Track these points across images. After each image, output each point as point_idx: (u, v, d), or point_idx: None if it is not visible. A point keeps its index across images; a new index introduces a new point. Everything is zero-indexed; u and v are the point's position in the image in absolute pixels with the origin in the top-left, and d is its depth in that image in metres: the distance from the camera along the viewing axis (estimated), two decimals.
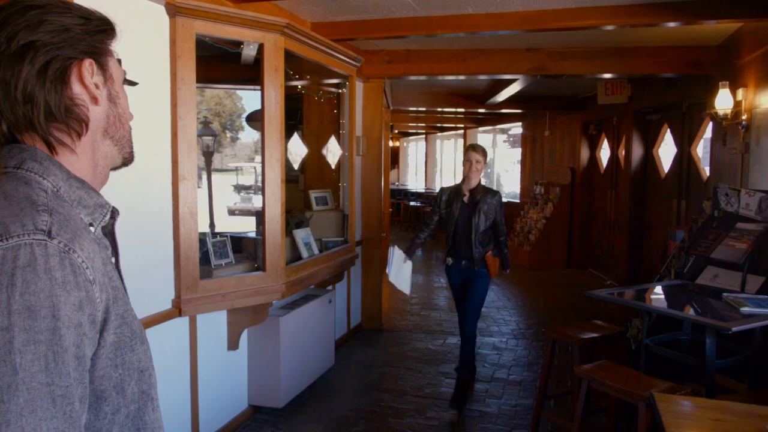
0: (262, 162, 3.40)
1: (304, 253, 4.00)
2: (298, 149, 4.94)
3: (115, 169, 1.04)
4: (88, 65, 0.92)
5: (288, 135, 5.79)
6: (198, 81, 3.09)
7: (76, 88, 0.91)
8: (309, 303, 4.20)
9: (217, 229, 4.92)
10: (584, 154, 9.33)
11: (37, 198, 0.84)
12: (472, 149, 4.22)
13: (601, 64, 5.54)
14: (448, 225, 4.26)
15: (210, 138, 7.24)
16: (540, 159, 10.64)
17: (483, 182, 4.32)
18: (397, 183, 18.70)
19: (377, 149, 5.78)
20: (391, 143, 18.48)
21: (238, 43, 3.33)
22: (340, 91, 4.82)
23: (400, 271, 4.24)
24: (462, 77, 6.15)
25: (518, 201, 11.34)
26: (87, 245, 0.84)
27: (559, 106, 9.32)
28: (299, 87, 4.12)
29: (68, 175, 0.91)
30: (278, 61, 3.37)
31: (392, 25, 4.38)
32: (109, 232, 1.01)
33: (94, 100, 0.93)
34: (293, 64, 4.13)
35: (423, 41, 5.23)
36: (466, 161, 4.20)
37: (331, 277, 4.63)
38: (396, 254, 4.23)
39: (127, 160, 1.04)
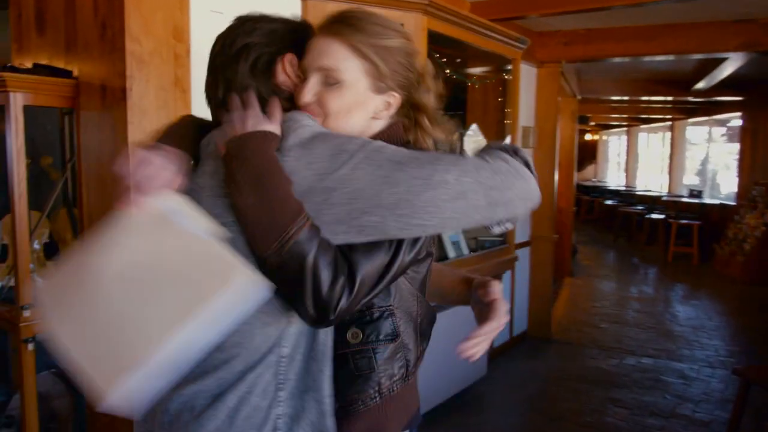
0: None
1: (451, 253, 3.68)
2: (476, 140, 4.62)
3: None
4: (290, 58, 1.11)
5: (458, 125, 5.50)
6: None
7: (281, 77, 1.10)
8: (456, 307, 3.87)
9: None
10: None
11: None
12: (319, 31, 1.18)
13: None
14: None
15: None
16: (763, 155, 9.03)
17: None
18: (594, 179, 17.42)
19: (551, 141, 5.24)
20: (589, 136, 17.29)
21: None
22: (506, 77, 4.40)
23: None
24: (659, 58, 5.33)
25: (734, 204, 9.78)
26: None
27: None
28: (452, 74, 3.79)
29: None
30: (420, 44, 3.08)
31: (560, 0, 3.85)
32: None
33: (295, 87, 1.10)
34: (451, 48, 3.82)
35: (605, 17, 4.57)
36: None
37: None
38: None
39: None
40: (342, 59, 1.06)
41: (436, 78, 1.18)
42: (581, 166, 17.05)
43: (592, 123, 15.12)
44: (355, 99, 1.08)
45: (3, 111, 2.23)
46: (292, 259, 0.91)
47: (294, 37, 1.12)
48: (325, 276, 0.92)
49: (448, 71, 3.58)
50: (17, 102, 2.19)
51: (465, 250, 3.79)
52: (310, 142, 0.97)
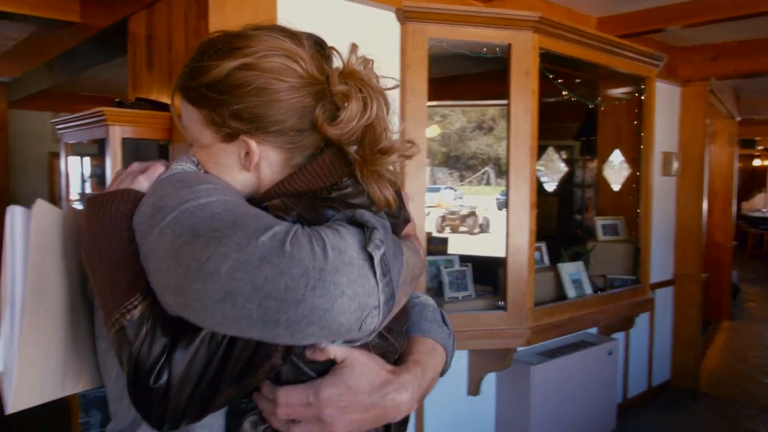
0: (507, 182, 2.90)
1: (570, 293, 3.33)
2: (619, 169, 4.24)
3: None
4: None
5: (591, 152, 5.13)
6: (462, 98, 2.78)
7: None
8: (578, 352, 3.49)
9: (495, 254, 4.51)
10: None
11: None
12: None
13: None
14: None
15: None
16: None
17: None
18: (764, 210, 15.56)
19: (697, 168, 4.66)
20: (757, 162, 15.49)
21: (483, 48, 2.91)
22: (642, 98, 3.97)
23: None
24: None
25: None
26: None
27: None
28: (571, 95, 3.46)
29: None
30: (529, 63, 2.84)
31: (705, 7, 3.40)
32: None
33: None
34: (571, 68, 3.53)
35: (763, 26, 3.99)
36: None
37: (618, 323, 3.81)
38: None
39: None
40: (183, 113, 0.89)
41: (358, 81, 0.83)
42: (748, 194, 15.34)
43: (760, 147, 13.55)
44: (207, 155, 0.87)
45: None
46: (119, 347, 0.76)
47: None
48: (145, 373, 0.74)
49: (565, 93, 3.28)
50: (116, 135, 2.28)
51: (588, 289, 3.41)
52: (150, 191, 0.82)
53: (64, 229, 0.90)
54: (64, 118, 2.69)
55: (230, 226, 0.72)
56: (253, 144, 0.83)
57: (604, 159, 4.31)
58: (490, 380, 3.28)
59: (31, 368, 0.85)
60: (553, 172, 5.67)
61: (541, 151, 6.66)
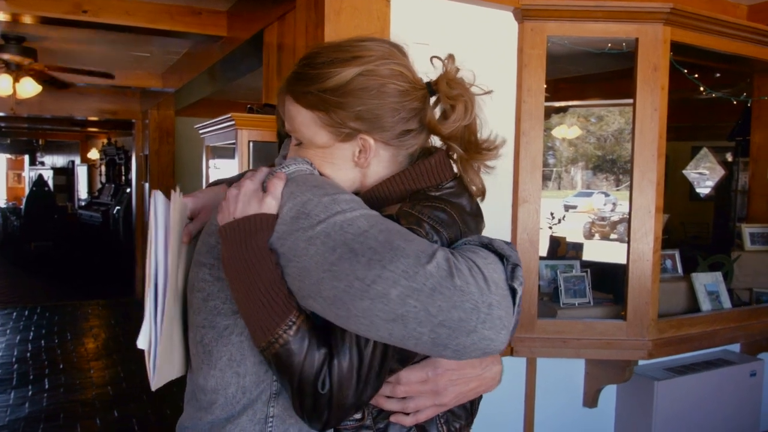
0: (630, 184, 2.76)
1: (705, 305, 3.07)
2: None
3: None
4: None
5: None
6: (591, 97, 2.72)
7: None
8: (713, 370, 3.21)
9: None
10: None
11: None
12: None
13: None
14: None
15: None
16: None
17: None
18: None
19: None
20: None
21: (607, 44, 2.80)
22: None
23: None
24: None
25: None
26: None
27: None
28: (708, 91, 3.16)
29: None
30: (658, 58, 2.68)
31: None
32: None
33: None
34: (711, 61, 3.26)
35: None
36: None
37: (765, 342, 3.45)
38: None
39: None
40: (296, 117, 0.96)
41: (455, 85, 0.96)
42: None
43: None
44: (321, 155, 0.95)
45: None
46: (280, 361, 0.83)
47: None
48: (311, 382, 0.83)
49: (703, 89, 3.04)
50: (243, 138, 2.50)
51: (726, 303, 3.13)
52: (286, 195, 0.87)
53: (183, 220, 0.99)
54: (204, 124, 2.99)
55: (387, 249, 0.79)
56: (371, 141, 0.94)
57: (757, 160, 3.92)
58: (609, 393, 3.13)
59: (167, 347, 0.93)
60: (708, 174, 5.26)
61: (694, 152, 6.18)
